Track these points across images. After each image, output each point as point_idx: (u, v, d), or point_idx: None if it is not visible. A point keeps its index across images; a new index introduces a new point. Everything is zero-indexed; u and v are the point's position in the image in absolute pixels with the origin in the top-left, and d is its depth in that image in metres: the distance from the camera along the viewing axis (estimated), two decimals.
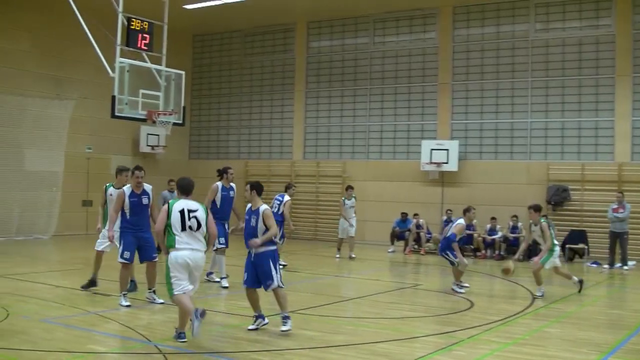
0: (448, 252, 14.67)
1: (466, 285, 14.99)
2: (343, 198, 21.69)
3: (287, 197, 17.39)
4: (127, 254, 12.16)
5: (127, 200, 12.20)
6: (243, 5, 25.79)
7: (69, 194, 25.12)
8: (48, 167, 24.69)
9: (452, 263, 14.80)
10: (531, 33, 24.22)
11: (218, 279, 14.75)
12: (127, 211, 12.27)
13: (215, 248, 14.39)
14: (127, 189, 12.34)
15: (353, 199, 21.52)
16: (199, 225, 9.53)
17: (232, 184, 14.82)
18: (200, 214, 9.58)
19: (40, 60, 25.56)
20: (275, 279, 10.08)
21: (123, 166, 13.65)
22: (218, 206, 14.38)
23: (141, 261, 12.44)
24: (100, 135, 27.37)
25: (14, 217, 23.86)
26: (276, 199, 17.52)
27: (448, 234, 14.86)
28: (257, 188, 10.39)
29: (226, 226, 14.69)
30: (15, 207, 23.79)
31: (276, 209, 17.04)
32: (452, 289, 14.74)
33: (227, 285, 14.43)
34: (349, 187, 21.79)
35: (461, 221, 14.87)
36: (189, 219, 9.46)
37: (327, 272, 17.74)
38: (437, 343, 9.69)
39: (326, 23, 28.25)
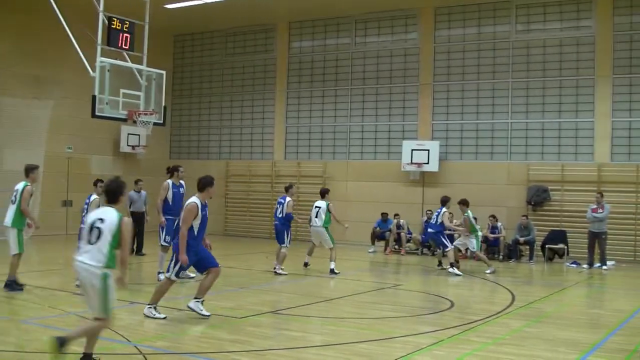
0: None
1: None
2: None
3: (288, 198, 17.13)
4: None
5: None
6: (224, 5, 25.78)
7: (48, 194, 24.94)
8: None
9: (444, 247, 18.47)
10: (512, 34, 24.33)
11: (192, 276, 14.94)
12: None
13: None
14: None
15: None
16: None
17: (181, 181, 15.44)
18: None
19: (21, 60, 25.34)
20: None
21: (32, 164, 13.62)
22: (170, 203, 15.03)
23: None
24: (80, 135, 27.22)
25: None
26: (278, 202, 17.32)
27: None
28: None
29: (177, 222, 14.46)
30: None
31: (280, 213, 16.89)
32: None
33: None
34: None
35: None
36: None
37: (309, 272, 17.72)
38: (417, 343, 9.71)
39: (308, 23, 28.25)
